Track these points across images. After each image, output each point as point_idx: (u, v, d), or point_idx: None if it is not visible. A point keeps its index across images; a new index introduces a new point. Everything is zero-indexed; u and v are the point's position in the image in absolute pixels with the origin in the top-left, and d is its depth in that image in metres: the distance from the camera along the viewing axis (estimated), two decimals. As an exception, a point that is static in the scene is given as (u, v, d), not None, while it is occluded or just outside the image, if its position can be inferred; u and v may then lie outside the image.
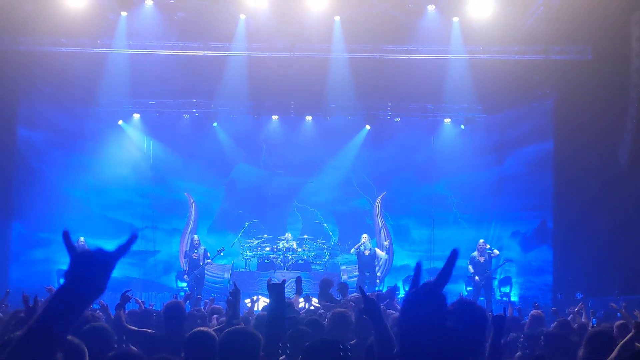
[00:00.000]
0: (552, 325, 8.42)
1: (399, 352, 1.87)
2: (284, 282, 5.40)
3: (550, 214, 19.60)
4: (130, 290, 7.91)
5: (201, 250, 17.68)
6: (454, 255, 1.86)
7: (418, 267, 1.95)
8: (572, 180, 18.02)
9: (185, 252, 18.13)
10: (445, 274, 1.85)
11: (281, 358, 4.94)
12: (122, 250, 1.90)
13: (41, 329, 1.85)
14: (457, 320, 4.30)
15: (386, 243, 19.96)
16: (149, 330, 6.77)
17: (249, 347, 3.80)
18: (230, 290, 6.88)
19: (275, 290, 5.20)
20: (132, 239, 1.92)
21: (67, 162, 19.94)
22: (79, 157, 20.05)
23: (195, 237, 18.40)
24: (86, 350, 4.18)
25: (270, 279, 5.94)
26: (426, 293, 1.86)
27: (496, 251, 17.49)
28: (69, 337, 4.15)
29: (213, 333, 4.69)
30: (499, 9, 16.73)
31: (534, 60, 17.98)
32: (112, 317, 7.54)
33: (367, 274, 17.19)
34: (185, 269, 17.90)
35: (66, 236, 1.94)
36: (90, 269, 1.87)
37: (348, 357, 4.19)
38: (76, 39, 17.28)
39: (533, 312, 9.33)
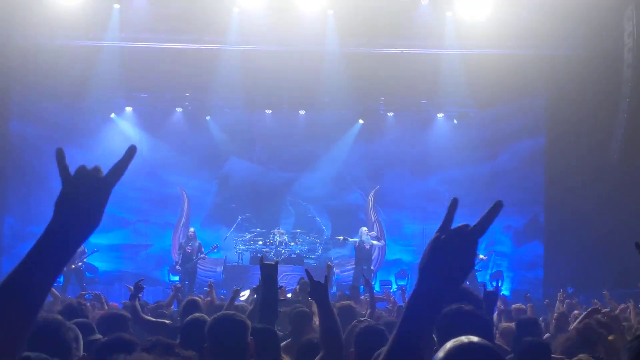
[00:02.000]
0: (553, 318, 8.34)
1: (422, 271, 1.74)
2: (277, 262, 5.15)
3: (541, 209, 19.69)
4: (143, 279, 7.53)
5: (196, 244, 17.71)
6: (498, 206, 1.80)
7: (454, 203, 1.84)
8: (563, 175, 18.11)
9: (180, 243, 18.12)
10: (486, 223, 1.76)
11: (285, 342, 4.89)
12: (119, 169, 1.68)
13: (27, 270, 1.60)
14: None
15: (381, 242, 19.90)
16: (166, 321, 6.78)
17: (237, 333, 3.81)
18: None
19: (268, 271, 4.97)
20: (130, 153, 1.69)
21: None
22: (72, 150, 19.84)
23: (192, 230, 18.39)
24: (80, 335, 4.19)
25: (262, 258, 5.53)
26: (461, 238, 1.74)
27: (482, 256, 17.52)
28: (69, 322, 4.18)
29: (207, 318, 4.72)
30: (492, 5, 16.78)
31: (526, 56, 18.02)
32: (108, 307, 7.55)
33: (365, 267, 17.22)
34: (177, 260, 17.89)
35: (60, 154, 1.69)
36: (85, 193, 1.64)
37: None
38: (69, 32, 17.23)
39: (514, 305, 9.41)
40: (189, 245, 17.60)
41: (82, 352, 4.17)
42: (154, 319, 6.81)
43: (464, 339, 2.15)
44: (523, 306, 9.39)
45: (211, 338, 3.82)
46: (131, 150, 1.69)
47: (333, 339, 4.21)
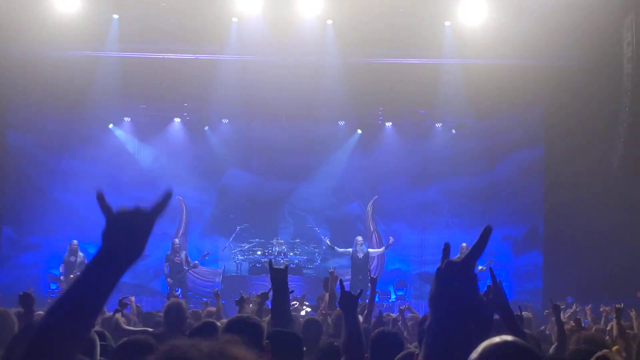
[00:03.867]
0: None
1: (431, 323, 1.82)
2: (286, 267, 5.08)
3: (540, 218, 19.66)
4: (127, 297, 8.21)
5: (183, 255, 17.71)
6: (487, 231, 1.85)
7: (446, 247, 1.94)
8: (562, 185, 18.08)
9: (167, 255, 18.05)
10: (478, 250, 1.84)
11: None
12: (160, 207, 1.84)
13: (75, 299, 1.70)
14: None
15: (381, 250, 19.81)
16: (149, 329, 6.88)
17: (251, 336, 3.76)
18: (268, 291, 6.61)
19: (278, 275, 4.91)
20: (168, 196, 1.84)
21: (58, 167, 19.85)
22: (69, 161, 19.94)
23: (176, 241, 18.35)
24: (97, 340, 4.22)
25: (271, 261, 5.41)
26: (456, 268, 1.83)
27: (480, 268, 17.48)
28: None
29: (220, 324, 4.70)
30: (491, 15, 16.81)
31: (525, 65, 18.02)
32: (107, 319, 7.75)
33: (360, 277, 17.16)
34: (166, 272, 17.81)
35: (100, 196, 1.81)
36: (129, 229, 1.78)
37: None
38: (67, 42, 17.23)
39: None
40: (177, 257, 17.58)
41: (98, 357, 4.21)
42: (135, 328, 7.09)
43: (496, 338, 2.12)
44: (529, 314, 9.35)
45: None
46: (168, 195, 1.86)
47: (356, 346, 4.22)
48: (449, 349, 1.77)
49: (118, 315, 7.38)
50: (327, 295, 9.09)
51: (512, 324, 4.24)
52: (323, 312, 8.69)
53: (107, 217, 1.78)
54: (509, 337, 2.15)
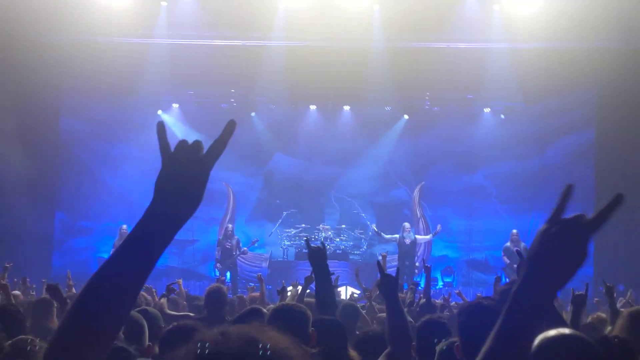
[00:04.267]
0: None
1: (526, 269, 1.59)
2: (323, 244, 4.74)
3: (591, 204, 19.29)
4: (175, 282, 8.41)
5: (234, 241, 17.86)
6: (618, 200, 1.66)
7: (569, 189, 1.72)
8: (613, 170, 17.71)
9: (218, 240, 18.25)
10: (604, 217, 1.63)
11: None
12: (220, 145, 1.64)
13: (128, 256, 1.54)
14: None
15: (428, 237, 19.66)
16: (190, 314, 7.00)
17: (297, 324, 3.77)
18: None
19: (317, 256, 4.58)
20: (231, 128, 1.64)
21: (109, 152, 20.22)
22: (120, 147, 20.28)
23: (230, 226, 18.54)
24: (146, 324, 4.29)
25: (308, 239, 4.94)
26: (574, 233, 1.60)
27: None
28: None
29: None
30: (541, -3, 16.50)
31: (576, 49, 17.67)
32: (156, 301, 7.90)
33: (407, 263, 17.13)
34: (217, 257, 18.02)
35: (161, 128, 1.64)
36: (186, 170, 1.60)
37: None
38: (117, 29, 17.46)
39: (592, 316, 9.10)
40: (228, 242, 17.74)
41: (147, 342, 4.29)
42: (176, 313, 7.20)
43: (552, 331, 2.07)
44: (603, 315, 8.99)
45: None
46: (231, 125, 1.65)
47: (402, 335, 4.07)
48: (531, 322, 1.57)
49: (163, 300, 7.49)
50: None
51: (552, 313, 4.19)
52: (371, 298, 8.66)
53: (164, 155, 1.62)
54: (566, 330, 2.11)
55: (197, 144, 1.65)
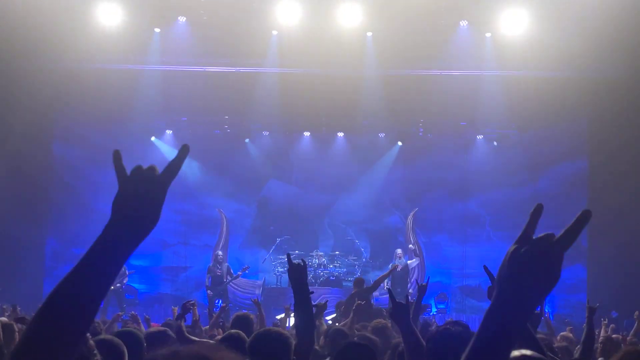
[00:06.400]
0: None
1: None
2: (304, 261, 4.32)
3: (584, 232, 19.15)
4: (191, 301, 7.52)
5: (225, 267, 17.77)
6: (585, 216, 1.62)
7: (537, 210, 1.64)
8: (606, 199, 17.77)
9: (209, 267, 18.14)
10: (573, 234, 1.59)
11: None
12: (174, 167, 1.68)
13: (85, 270, 1.58)
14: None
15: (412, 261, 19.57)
16: (211, 342, 6.73)
17: (280, 349, 3.73)
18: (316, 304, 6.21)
19: (295, 274, 4.22)
20: (184, 152, 1.68)
21: (101, 179, 20.11)
22: (112, 173, 19.92)
23: (220, 253, 18.47)
24: (126, 350, 4.22)
25: (289, 255, 4.45)
26: (545, 251, 1.55)
27: None
28: (108, 336, 4.26)
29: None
30: (533, 26, 16.63)
31: (568, 78, 17.79)
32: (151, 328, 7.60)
33: (399, 290, 17.05)
34: (207, 284, 17.88)
35: (117, 156, 1.74)
36: (142, 192, 1.64)
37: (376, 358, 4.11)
38: (110, 56, 17.51)
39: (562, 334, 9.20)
40: (219, 269, 17.64)
41: None
42: (198, 339, 6.75)
43: (515, 352, 2.05)
44: (570, 335, 9.18)
45: (251, 354, 3.76)
46: (184, 149, 1.68)
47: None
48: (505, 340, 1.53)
49: (181, 322, 6.73)
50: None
51: (527, 335, 4.14)
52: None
53: (121, 179, 1.69)
54: (527, 352, 2.10)
55: (152, 167, 1.69)
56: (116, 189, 1.70)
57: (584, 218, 1.63)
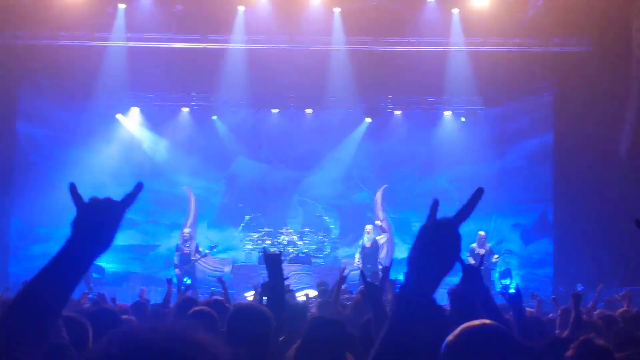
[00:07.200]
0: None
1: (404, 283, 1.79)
2: (280, 253, 4.81)
3: (550, 206, 19.56)
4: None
5: (193, 245, 17.66)
6: (478, 194, 1.85)
7: (435, 202, 1.91)
8: (572, 172, 17.99)
9: (177, 245, 18.02)
10: (467, 211, 1.83)
11: (281, 338, 4.73)
12: (130, 199, 1.86)
13: (43, 285, 1.78)
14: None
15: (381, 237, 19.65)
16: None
17: (260, 325, 3.72)
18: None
19: (272, 260, 4.60)
20: (138, 188, 1.88)
21: (66, 157, 19.81)
22: (77, 151, 19.90)
23: (187, 230, 18.34)
24: (90, 329, 4.20)
25: (266, 249, 5.09)
26: (443, 226, 1.80)
27: (495, 257, 17.39)
28: (74, 314, 4.26)
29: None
30: (499, 0, 16.68)
31: (534, 52, 17.91)
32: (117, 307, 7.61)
33: (369, 266, 17.11)
34: (176, 262, 17.77)
35: (73, 188, 1.89)
36: (99, 218, 1.82)
37: (347, 334, 4.14)
38: (74, 32, 17.21)
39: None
40: (186, 247, 17.55)
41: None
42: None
43: (476, 322, 2.10)
44: (531, 310, 9.35)
45: (230, 326, 3.76)
46: (139, 187, 1.89)
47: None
48: (419, 309, 1.74)
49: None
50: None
51: (491, 308, 4.22)
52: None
53: (78, 207, 1.84)
54: (487, 321, 2.13)
55: (108, 199, 1.86)
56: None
57: (477, 195, 1.86)
